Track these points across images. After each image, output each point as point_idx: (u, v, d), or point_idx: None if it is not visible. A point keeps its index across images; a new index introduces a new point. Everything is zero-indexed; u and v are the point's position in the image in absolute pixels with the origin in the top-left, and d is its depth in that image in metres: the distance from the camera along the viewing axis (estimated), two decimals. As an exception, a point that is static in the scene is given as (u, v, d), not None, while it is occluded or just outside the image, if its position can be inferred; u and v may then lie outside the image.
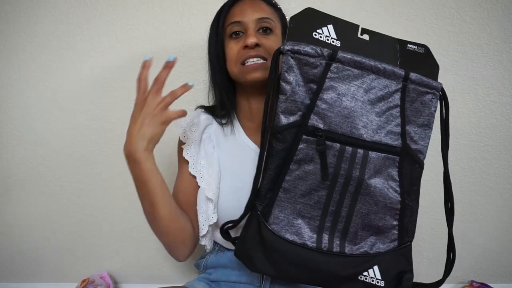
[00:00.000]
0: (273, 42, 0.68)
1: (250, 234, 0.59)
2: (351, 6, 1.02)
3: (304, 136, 0.55)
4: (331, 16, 0.57)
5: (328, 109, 0.54)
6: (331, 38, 0.56)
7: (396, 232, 0.59)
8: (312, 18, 0.56)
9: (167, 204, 0.64)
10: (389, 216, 0.58)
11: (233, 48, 0.69)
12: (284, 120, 0.55)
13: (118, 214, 1.09)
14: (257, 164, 0.58)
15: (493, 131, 1.10)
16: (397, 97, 0.56)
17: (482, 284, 1.15)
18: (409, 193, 0.59)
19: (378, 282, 0.58)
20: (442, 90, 0.59)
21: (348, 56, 0.54)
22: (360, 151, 0.55)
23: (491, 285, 1.14)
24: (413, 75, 0.56)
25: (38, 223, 1.10)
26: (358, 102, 0.55)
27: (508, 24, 1.04)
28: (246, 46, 0.66)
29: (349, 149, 0.55)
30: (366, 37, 0.58)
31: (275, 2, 0.76)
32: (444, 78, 1.06)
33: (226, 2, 0.73)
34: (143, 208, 0.64)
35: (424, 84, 0.57)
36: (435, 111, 0.59)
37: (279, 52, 0.55)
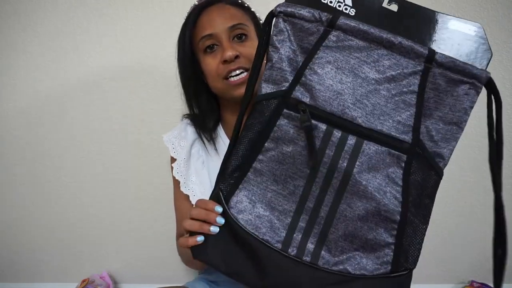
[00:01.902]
0: (250, 48, 0.63)
1: None
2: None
3: (285, 110, 0.45)
4: None
5: (318, 81, 0.44)
6: (345, 4, 0.46)
7: (390, 252, 0.45)
8: None
9: None
10: (383, 229, 0.45)
11: (211, 64, 0.64)
12: (265, 89, 0.47)
13: (118, 214, 1.09)
14: (231, 137, 0.49)
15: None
16: (415, 81, 0.44)
17: (482, 284, 1.15)
18: (417, 207, 0.45)
19: None
20: (490, 82, 0.45)
21: (352, 24, 0.44)
22: (352, 138, 0.44)
23: (491, 285, 1.14)
24: (440, 56, 0.43)
25: (38, 223, 1.10)
26: (357, 79, 0.44)
27: (508, 24, 1.04)
28: (225, 61, 0.61)
29: (337, 132, 0.44)
30: (394, 7, 0.46)
31: (242, 2, 0.69)
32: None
33: (190, 14, 0.67)
34: (181, 255, 0.69)
35: (459, 69, 0.43)
36: (471, 107, 0.46)
37: (272, 15, 0.46)
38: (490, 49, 0.46)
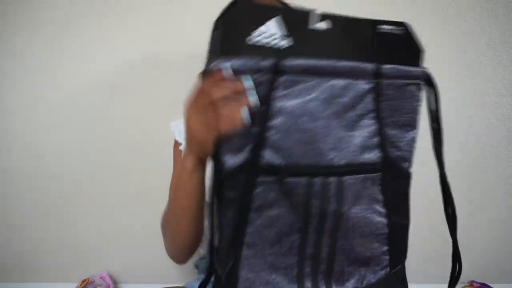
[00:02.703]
0: None
1: None
2: (349, 6, 1.02)
3: (259, 179, 0.43)
4: (273, 6, 0.43)
5: (283, 139, 0.42)
6: (277, 37, 0.42)
7: (387, 257, 0.50)
8: (245, 15, 0.41)
9: (200, 208, 0.56)
10: (378, 243, 0.49)
11: None
12: (230, 161, 0.42)
13: (118, 214, 1.09)
14: (209, 220, 0.45)
15: (493, 131, 1.10)
16: (368, 100, 0.45)
17: (482, 284, 1.15)
18: (397, 210, 0.50)
19: None
20: (428, 76, 0.47)
21: (298, 63, 0.41)
22: (333, 179, 0.44)
23: (491, 285, 1.14)
24: (385, 68, 0.44)
25: (38, 223, 1.10)
26: (320, 121, 0.43)
27: (508, 24, 1.04)
28: None
29: (317, 180, 0.43)
30: (327, 24, 0.44)
31: None
32: (444, 78, 1.07)
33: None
34: (173, 207, 0.58)
35: (402, 74, 0.46)
36: (418, 105, 0.48)
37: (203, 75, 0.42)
38: (421, 46, 0.48)
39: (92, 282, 1.05)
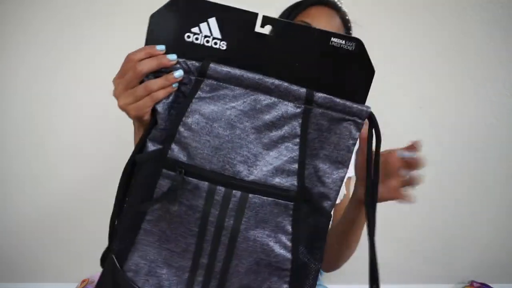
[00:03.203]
0: None
1: (105, 278, 0.48)
2: (346, 5, 1.02)
3: (164, 170, 0.42)
4: (214, 3, 0.41)
5: (193, 138, 0.42)
6: (213, 38, 0.42)
7: None
8: (182, 12, 0.42)
9: None
10: (277, 278, 0.45)
11: None
12: (150, 147, 0.44)
13: (118, 214, 1.09)
14: (116, 198, 0.47)
15: (493, 131, 1.10)
16: (295, 124, 0.43)
17: (482, 284, 1.15)
18: (309, 249, 0.45)
19: None
20: (371, 117, 0.44)
21: (224, 70, 0.41)
22: (236, 193, 0.41)
23: (491, 285, 1.14)
24: (319, 97, 0.42)
25: (38, 223, 1.10)
26: (235, 130, 0.42)
27: (508, 24, 1.04)
28: None
29: (220, 189, 0.41)
30: (268, 30, 0.42)
31: (348, 19, 0.71)
32: (444, 78, 1.07)
33: (304, 1, 0.70)
34: None
35: (339, 108, 0.42)
36: (353, 144, 0.44)
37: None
38: (372, 66, 0.43)
39: (92, 282, 1.05)
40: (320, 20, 0.65)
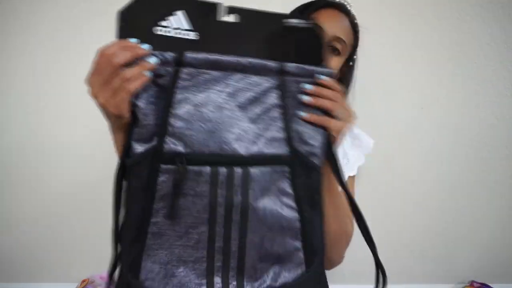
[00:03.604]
0: (335, 64, 0.68)
1: None
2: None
3: (162, 166, 0.43)
4: None
5: (186, 127, 0.43)
6: (184, 30, 0.44)
7: (301, 254, 0.48)
8: (151, 7, 0.43)
9: None
10: (290, 238, 0.48)
11: None
12: (138, 149, 0.44)
13: (118, 214, 1.09)
14: (113, 210, 0.47)
15: (493, 131, 1.10)
16: (274, 95, 0.46)
17: (482, 284, 1.15)
18: (311, 204, 0.49)
19: None
20: (332, 76, 0.50)
21: (200, 57, 0.43)
22: (238, 169, 0.44)
23: (491, 285, 1.14)
24: (290, 67, 0.46)
25: (38, 223, 1.10)
26: (224, 111, 0.44)
27: (508, 24, 1.04)
28: None
29: (223, 170, 0.43)
30: (234, 18, 0.46)
31: (357, 23, 0.72)
32: (445, 78, 1.07)
33: (317, 2, 0.71)
34: None
35: (307, 73, 0.48)
36: None
37: None
38: (324, 43, 0.49)
39: (92, 282, 1.05)
40: (330, 22, 0.66)
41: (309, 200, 0.49)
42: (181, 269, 0.45)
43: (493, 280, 1.17)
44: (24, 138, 1.05)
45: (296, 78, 0.47)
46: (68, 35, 0.99)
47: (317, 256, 0.50)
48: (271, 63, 0.46)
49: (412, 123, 1.07)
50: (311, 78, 0.48)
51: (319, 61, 0.49)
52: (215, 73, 0.44)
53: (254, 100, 0.46)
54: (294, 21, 0.48)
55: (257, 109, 0.46)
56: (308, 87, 0.48)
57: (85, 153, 1.06)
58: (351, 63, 0.73)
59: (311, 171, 0.49)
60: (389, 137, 1.06)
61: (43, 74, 1.02)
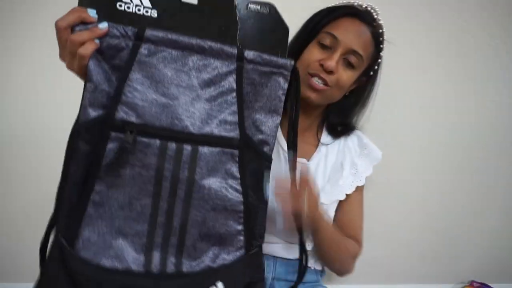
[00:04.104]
0: (348, 78, 0.64)
1: (51, 268, 0.48)
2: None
3: (112, 134, 0.43)
4: None
5: (140, 98, 0.44)
6: (144, 7, 0.45)
7: (242, 238, 0.49)
8: None
9: None
10: (232, 221, 0.49)
11: (312, 54, 0.64)
12: (91, 114, 0.44)
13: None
14: (62, 172, 0.46)
15: (493, 131, 1.10)
16: (231, 80, 0.47)
17: (482, 284, 1.15)
18: (256, 191, 0.50)
19: None
20: (294, 69, 0.49)
21: (160, 34, 0.44)
22: (188, 147, 0.45)
23: (491, 285, 1.14)
24: (249, 54, 0.47)
25: (38, 223, 1.09)
26: (179, 88, 0.45)
27: (508, 24, 1.05)
28: (322, 64, 0.62)
29: (172, 145, 0.44)
30: (193, 0, 0.47)
31: (382, 40, 0.68)
32: (444, 78, 1.07)
33: (340, 8, 0.67)
34: None
35: (267, 62, 0.48)
36: (284, 94, 0.50)
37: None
38: (286, 25, 0.49)
39: (92, 282, 1.05)
40: (348, 33, 0.63)
41: (255, 186, 0.50)
42: (119, 241, 0.45)
43: (493, 280, 1.18)
44: (24, 138, 1.05)
45: (255, 66, 0.47)
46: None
47: (257, 240, 0.51)
48: (230, 48, 0.46)
49: (410, 123, 1.07)
50: (271, 67, 0.48)
51: (281, 51, 0.49)
52: (174, 52, 0.45)
53: (211, 82, 0.47)
54: (254, 7, 0.48)
55: (212, 91, 0.47)
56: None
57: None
58: (371, 73, 0.70)
59: (260, 158, 0.50)
60: (388, 137, 1.06)
61: (41, 72, 1.02)
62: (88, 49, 0.43)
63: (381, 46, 0.68)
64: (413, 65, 1.05)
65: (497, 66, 1.06)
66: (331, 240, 0.64)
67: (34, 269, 1.17)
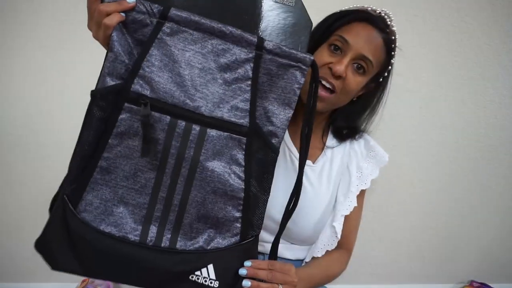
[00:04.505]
0: (356, 83, 0.63)
1: (53, 223, 0.50)
2: (351, 4, 1.02)
3: (126, 104, 0.45)
4: None
5: (157, 73, 0.45)
6: None
7: (239, 225, 0.50)
8: None
9: None
10: (231, 207, 0.49)
11: (322, 57, 0.63)
12: (109, 82, 0.45)
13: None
14: (77, 139, 0.47)
15: (493, 131, 1.10)
16: (248, 68, 0.47)
17: (482, 284, 1.15)
18: (259, 181, 0.50)
19: (211, 283, 0.49)
20: (313, 64, 0.49)
21: (184, 15, 0.45)
22: (196, 127, 0.46)
23: (491, 285, 1.14)
24: (269, 44, 0.47)
25: (38, 223, 1.10)
26: (195, 69, 0.46)
27: (508, 24, 1.05)
28: (330, 68, 0.61)
29: (181, 123, 0.46)
30: None
31: (394, 47, 0.67)
32: (444, 78, 1.07)
33: (353, 13, 0.66)
34: None
35: (286, 55, 0.47)
36: (299, 88, 0.49)
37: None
38: (310, 19, 0.50)
39: (92, 282, 1.05)
40: (359, 38, 0.62)
41: (259, 176, 0.50)
42: (120, 210, 0.47)
43: (492, 280, 1.18)
44: (24, 138, 1.05)
45: (274, 57, 0.48)
46: (68, 34, 1.00)
47: (253, 232, 0.51)
48: (251, 37, 0.46)
49: (411, 123, 1.07)
50: (289, 60, 0.48)
51: (302, 45, 0.50)
52: (195, 33, 0.46)
53: (227, 67, 0.47)
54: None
55: (228, 76, 0.47)
56: (243, 272, 0.50)
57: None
58: (381, 80, 0.69)
59: (267, 149, 0.50)
60: (388, 137, 1.06)
61: (43, 73, 1.02)
62: (113, 19, 0.44)
63: (393, 53, 0.67)
64: (412, 66, 1.05)
65: (497, 66, 1.06)
66: (322, 282, 0.67)
67: (34, 269, 1.18)
